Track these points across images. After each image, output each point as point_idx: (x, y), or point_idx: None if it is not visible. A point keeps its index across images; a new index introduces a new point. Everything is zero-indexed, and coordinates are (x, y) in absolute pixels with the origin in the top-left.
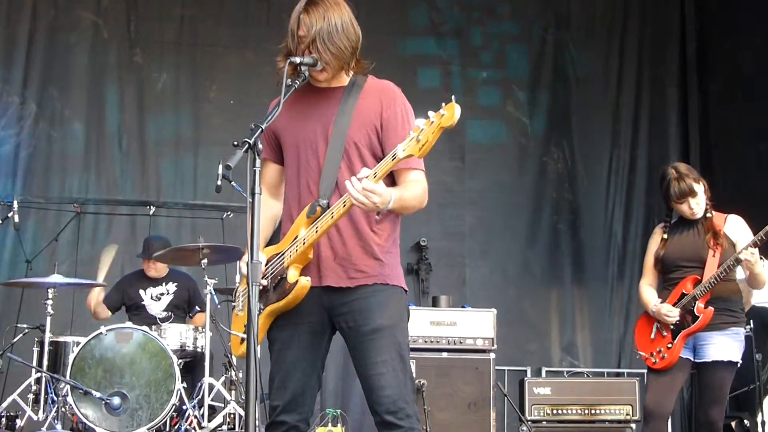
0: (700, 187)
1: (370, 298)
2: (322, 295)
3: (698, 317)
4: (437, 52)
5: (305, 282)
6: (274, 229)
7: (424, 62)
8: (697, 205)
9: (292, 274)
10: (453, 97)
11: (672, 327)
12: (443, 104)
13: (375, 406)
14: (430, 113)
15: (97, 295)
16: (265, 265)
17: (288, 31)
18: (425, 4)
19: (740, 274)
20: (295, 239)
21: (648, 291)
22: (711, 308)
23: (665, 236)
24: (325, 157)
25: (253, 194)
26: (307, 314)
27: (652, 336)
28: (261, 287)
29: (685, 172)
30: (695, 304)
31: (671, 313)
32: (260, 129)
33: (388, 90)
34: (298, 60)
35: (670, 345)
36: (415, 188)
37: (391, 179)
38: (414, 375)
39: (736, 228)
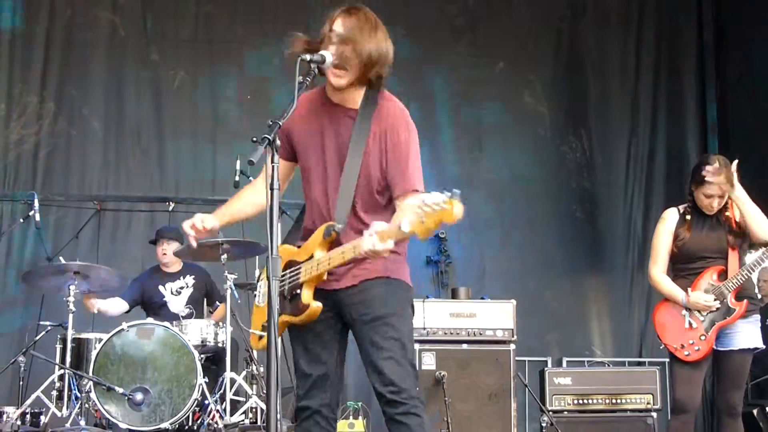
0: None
1: (371, 290)
2: (332, 295)
3: (732, 309)
4: (453, 43)
5: (316, 307)
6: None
7: (441, 53)
8: (719, 203)
9: (306, 295)
10: (458, 192)
11: (701, 318)
12: (449, 194)
13: (377, 387)
14: (434, 199)
15: (92, 304)
16: (283, 269)
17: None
18: None
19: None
20: (311, 257)
21: (667, 279)
22: (746, 300)
23: (688, 217)
24: (340, 182)
25: (272, 189)
26: (323, 309)
27: (686, 325)
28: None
29: (724, 164)
30: (727, 296)
31: (710, 301)
32: (278, 125)
33: (396, 117)
34: (308, 57)
35: (703, 337)
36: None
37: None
38: (434, 366)
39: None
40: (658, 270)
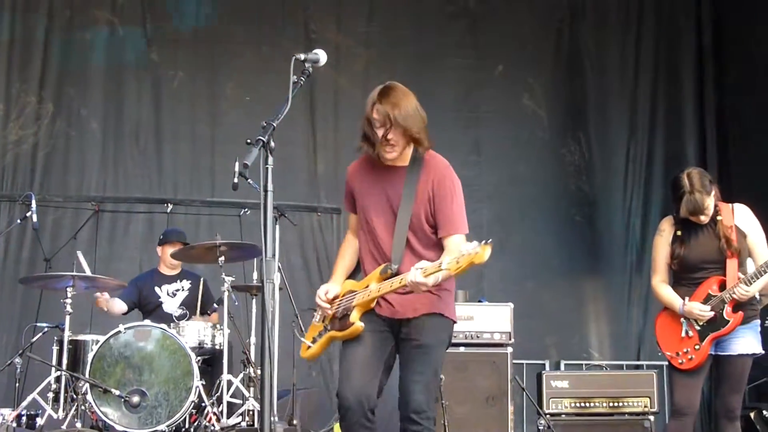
0: (710, 200)
1: (426, 321)
2: (393, 321)
3: (726, 320)
4: (451, 45)
5: (359, 326)
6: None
7: (440, 55)
8: (706, 217)
9: (354, 316)
10: (491, 240)
11: (698, 327)
12: (482, 243)
13: (405, 405)
14: (470, 247)
15: (105, 301)
16: (342, 296)
17: (364, 117)
18: None
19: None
20: (366, 287)
21: (667, 288)
22: (741, 312)
23: (679, 233)
24: (394, 228)
25: (266, 191)
26: (380, 325)
27: (683, 335)
28: (329, 313)
29: (698, 187)
30: (724, 307)
31: (705, 312)
32: (272, 127)
33: (441, 169)
34: (303, 57)
35: (697, 346)
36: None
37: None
38: None
39: (744, 220)
40: (659, 279)
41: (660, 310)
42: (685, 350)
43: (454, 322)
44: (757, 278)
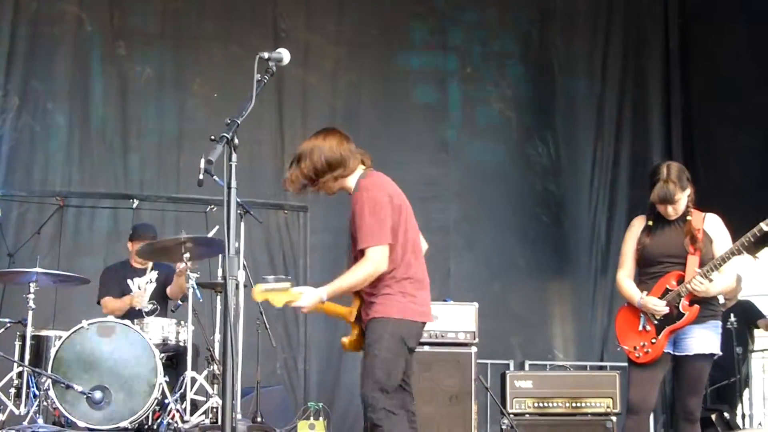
0: (683, 195)
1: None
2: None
3: (682, 314)
4: (420, 44)
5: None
6: None
7: (408, 54)
8: (674, 211)
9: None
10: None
11: (655, 322)
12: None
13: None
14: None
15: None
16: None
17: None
18: None
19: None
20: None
21: (629, 282)
22: (697, 306)
23: (650, 223)
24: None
25: (229, 188)
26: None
27: (640, 328)
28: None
29: (674, 178)
30: (680, 300)
31: (659, 306)
32: (236, 123)
33: (357, 190)
34: (267, 55)
35: (654, 340)
36: (352, 273)
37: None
38: None
39: (713, 227)
40: (624, 274)
41: (620, 307)
42: (642, 344)
43: (388, 319)
44: (714, 270)
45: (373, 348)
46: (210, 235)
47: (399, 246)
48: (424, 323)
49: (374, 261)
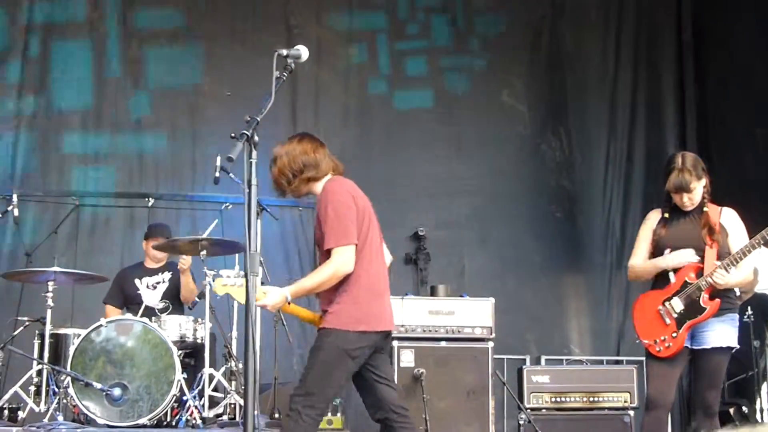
0: (699, 184)
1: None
2: None
3: (702, 307)
4: (432, 40)
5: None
6: None
7: (421, 50)
8: (690, 200)
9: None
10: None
11: (675, 316)
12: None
13: None
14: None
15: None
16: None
17: None
18: None
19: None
20: None
21: (645, 261)
22: (718, 300)
23: (667, 215)
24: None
25: (250, 185)
26: None
27: (660, 322)
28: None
29: (689, 166)
30: (700, 294)
31: (689, 256)
32: (256, 121)
33: (322, 193)
34: (285, 52)
35: (675, 334)
36: (317, 273)
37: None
38: (413, 364)
39: (730, 221)
40: (635, 261)
41: (636, 298)
42: (662, 337)
43: (332, 330)
44: (734, 264)
45: (312, 356)
46: (206, 234)
47: (360, 249)
48: (384, 331)
49: (339, 261)
